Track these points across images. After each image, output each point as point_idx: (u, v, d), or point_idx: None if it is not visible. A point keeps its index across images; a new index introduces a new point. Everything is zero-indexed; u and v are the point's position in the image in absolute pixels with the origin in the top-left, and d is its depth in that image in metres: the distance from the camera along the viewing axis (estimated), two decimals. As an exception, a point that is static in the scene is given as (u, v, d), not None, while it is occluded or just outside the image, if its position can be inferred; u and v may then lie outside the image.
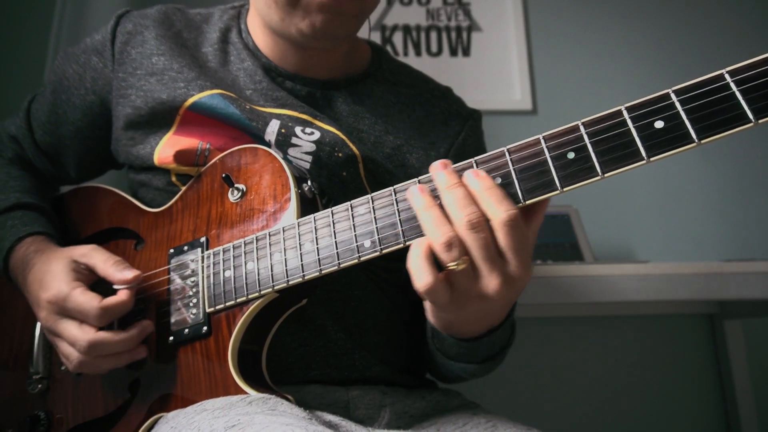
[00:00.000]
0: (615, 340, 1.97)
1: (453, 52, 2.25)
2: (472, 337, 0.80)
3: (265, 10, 0.93)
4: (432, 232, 0.65)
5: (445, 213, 0.65)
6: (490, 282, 0.66)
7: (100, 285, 0.83)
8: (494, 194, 0.64)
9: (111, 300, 0.79)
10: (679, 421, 1.92)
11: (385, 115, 1.01)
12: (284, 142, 0.91)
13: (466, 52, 2.26)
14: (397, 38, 2.25)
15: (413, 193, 0.68)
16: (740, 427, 1.85)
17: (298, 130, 0.92)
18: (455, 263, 0.64)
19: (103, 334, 0.79)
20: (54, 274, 0.82)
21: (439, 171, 0.67)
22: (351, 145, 0.93)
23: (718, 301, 1.94)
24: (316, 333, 0.89)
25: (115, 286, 0.81)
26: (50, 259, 0.85)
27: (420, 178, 0.71)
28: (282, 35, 0.95)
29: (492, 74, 2.24)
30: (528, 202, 0.65)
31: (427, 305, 0.73)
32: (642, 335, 1.97)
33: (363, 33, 1.11)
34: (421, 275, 0.66)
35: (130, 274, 0.81)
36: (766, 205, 2.16)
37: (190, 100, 0.92)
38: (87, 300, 0.78)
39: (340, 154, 0.92)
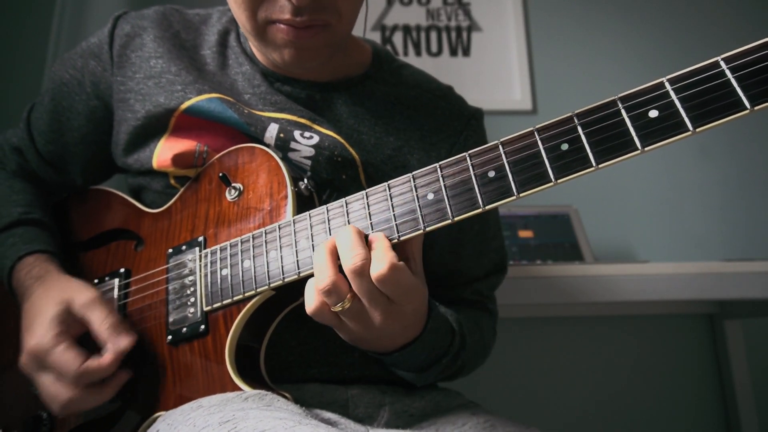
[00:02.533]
0: (615, 340, 1.96)
1: (453, 52, 2.26)
2: (386, 352, 0.81)
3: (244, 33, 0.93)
4: (317, 275, 0.69)
5: (337, 258, 0.69)
6: (375, 317, 0.71)
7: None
8: (378, 246, 0.69)
9: (92, 364, 0.77)
10: (679, 421, 1.91)
11: (385, 116, 1.00)
12: (283, 147, 0.91)
13: (466, 52, 2.26)
14: (397, 38, 2.26)
15: (321, 242, 0.72)
16: (740, 427, 1.85)
17: (297, 134, 0.91)
18: (339, 305, 0.69)
19: (82, 393, 0.78)
20: (42, 321, 0.80)
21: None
22: (350, 149, 0.93)
23: (718, 301, 1.94)
24: (316, 332, 0.89)
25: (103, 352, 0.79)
26: (48, 296, 0.82)
27: (414, 173, 0.71)
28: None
29: (492, 74, 2.24)
30: (522, 195, 0.65)
31: None
32: (642, 335, 1.97)
33: (358, 32, 1.11)
34: (310, 300, 0.71)
35: (123, 342, 0.79)
36: (766, 205, 2.16)
37: (186, 104, 0.91)
38: (67, 360, 0.77)
39: (339, 158, 0.91)
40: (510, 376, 1.87)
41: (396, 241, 0.71)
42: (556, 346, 1.94)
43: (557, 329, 1.94)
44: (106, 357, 0.78)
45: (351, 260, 0.67)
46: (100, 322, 0.80)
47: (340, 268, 0.69)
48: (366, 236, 0.70)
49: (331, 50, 0.90)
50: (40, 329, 0.79)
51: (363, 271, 0.67)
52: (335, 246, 0.69)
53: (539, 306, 1.90)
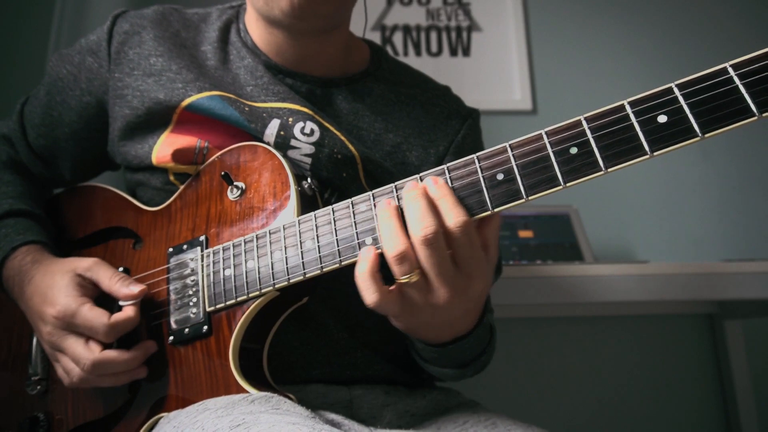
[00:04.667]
0: (615, 340, 1.96)
1: (453, 52, 2.25)
2: (438, 343, 0.81)
3: None
4: (387, 242, 0.66)
5: (404, 225, 0.67)
6: (441, 294, 0.68)
7: (103, 299, 0.82)
8: (448, 201, 0.66)
9: (119, 316, 0.79)
10: (679, 421, 1.92)
11: (384, 113, 1.01)
12: (283, 144, 0.91)
13: (466, 52, 2.26)
14: (397, 38, 2.25)
15: (381, 204, 0.69)
16: (740, 427, 1.85)
17: (297, 130, 0.91)
18: (407, 276, 0.66)
19: (108, 354, 0.79)
20: (59, 289, 0.81)
21: (408, 184, 0.69)
22: (350, 146, 0.93)
23: (718, 301, 1.94)
24: (318, 332, 0.89)
25: (121, 302, 0.81)
26: (52, 271, 0.84)
27: (421, 174, 0.70)
28: (269, 20, 0.94)
29: (492, 74, 2.24)
30: (531, 198, 0.65)
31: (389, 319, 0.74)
32: (642, 335, 1.97)
33: (359, 32, 1.11)
34: (368, 293, 0.68)
35: (136, 289, 0.81)
36: (765, 206, 2.16)
37: (188, 101, 0.92)
38: (96, 316, 0.78)
39: (339, 156, 0.92)
40: (510, 376, 1.87)
41: None
42: (556, 346, 1.94)
43: (557, 329, 1.94)
44: (128, 307, 0.81)
45: (423, 229, 0.64)
46: (108, 279, 0.82)
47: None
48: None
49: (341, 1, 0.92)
50: (60, 296, 0.80)
51: (436, 238, 0.64)
52: (400, 211, 0.68)
53: (539, 306, 1.89)
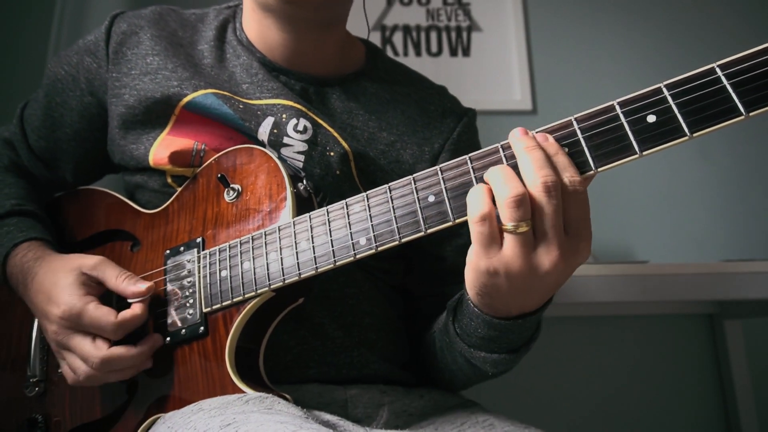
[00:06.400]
0: (615, 340, 1.96)
1: (453, 52, 2.26)
2: (504, 317, 0.74)
3: None
4: (502, 186, 0.61)
5: (517, 173, 0.62)
6: (550, 255, 0.63)
7: (104, 297, 0.83)
8: (563, 158, 0.63)
9: (126, 314, 0.79)
10: (679, 421, 1.91)
11: (378, 111, 1.01)
12: (276, 142, 0.91)
13: (466, 52, 2.26)
14: (397, 38, 2.25)
15: (492, 169, 0.65)
16: (740, 427, 1.85)
17: (290, 127, 0.92)
18: (516, 224, 0.61)
19: (117, 351, 0.79)
20: (63, 288, 0.81)
21: (518, 135, 0.65)
22: (343, 142, 0.93)
23: (718, 301, 1.94)
24: (314, 331, 0.89)
25: (129, 300, 0.82)
26: (55, 269, 0.84)
27: (415, 175, 0.71)
28: (264, 6, 0.94)
29: (492, 74, 2.24)
30: None
31: (469, 269, 0.68)
32: (642, 335, 1.97)
33: (363, 33, 1.11)
34: (477, 201, 0.62)
35: (143, 286, 0.82)
36: (765, 205, 2.16)
37: (185, 99, 0.92)
38: (103, 315, 0.78)
39: (332, 153, 0.92)
40: (509, 375, 1.86)
41: (398, 242, 0.70)
42: (556, 346, 1.93)
43: (557, 329, 1.93)
44: (135, 305, 0.81)
45: (543, 177, 0.60)
46: (114, 278, 0.82)
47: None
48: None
49: None
50: (64, 296, 0.80)
51: (556, 187, 0.61)
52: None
53: (539, 306, 1.89)
